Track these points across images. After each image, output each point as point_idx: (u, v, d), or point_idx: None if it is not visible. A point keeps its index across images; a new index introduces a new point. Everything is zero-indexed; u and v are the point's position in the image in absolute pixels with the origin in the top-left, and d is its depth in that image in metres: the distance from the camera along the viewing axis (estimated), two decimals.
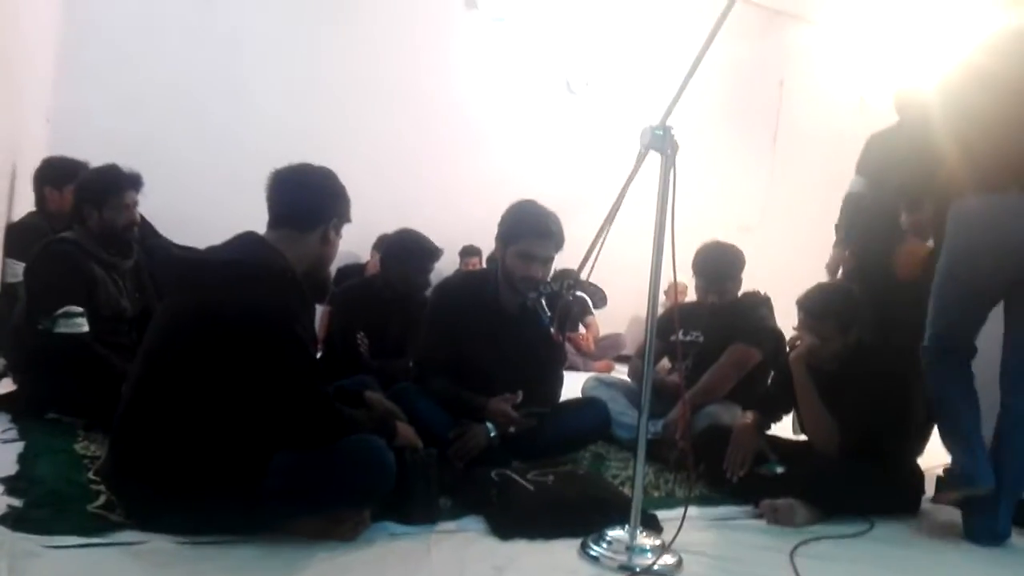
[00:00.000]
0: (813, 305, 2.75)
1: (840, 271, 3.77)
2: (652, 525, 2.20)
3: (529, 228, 2.62)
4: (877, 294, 3.02)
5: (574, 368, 5.53)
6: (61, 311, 2.66)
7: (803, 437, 2.92)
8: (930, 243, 2.95)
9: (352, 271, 5.45)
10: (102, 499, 1.93)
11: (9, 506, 1.85)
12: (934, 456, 3.15)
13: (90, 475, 2.12)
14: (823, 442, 2.67)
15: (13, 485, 2.01)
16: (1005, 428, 2.53)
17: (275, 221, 2.02)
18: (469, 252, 6.12)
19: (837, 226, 3.81)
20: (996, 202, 2.52)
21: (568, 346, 5.94)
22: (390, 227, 5.05)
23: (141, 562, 1.68)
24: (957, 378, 2.58)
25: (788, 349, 2.77)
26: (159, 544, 1.75)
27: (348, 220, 2.11)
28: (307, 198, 2.03)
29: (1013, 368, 2.55)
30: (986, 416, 2.57)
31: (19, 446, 2.36)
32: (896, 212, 3.32)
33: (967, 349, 2.61)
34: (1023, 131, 2.51)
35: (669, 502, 2.53)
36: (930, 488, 2.86)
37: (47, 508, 1.86)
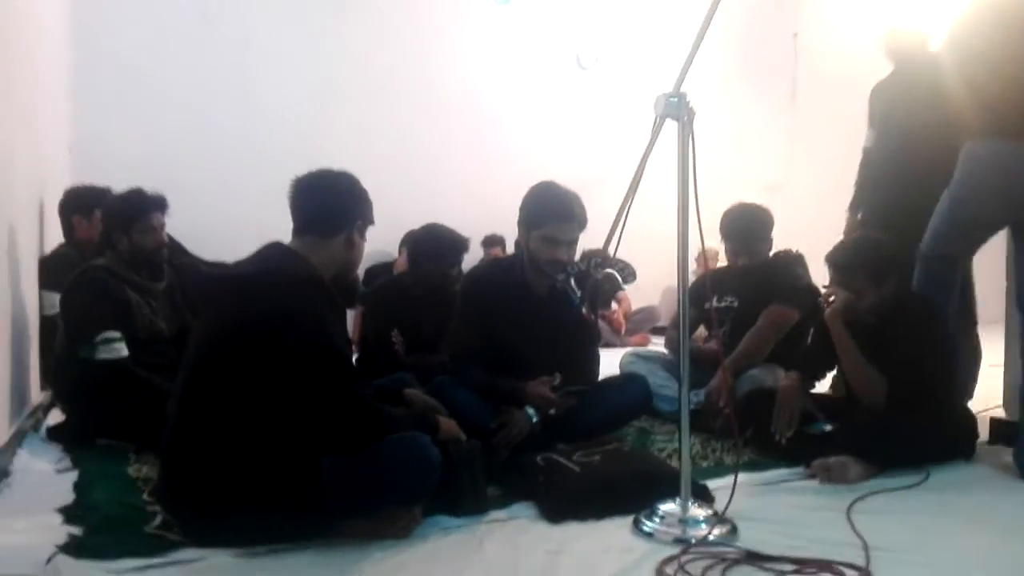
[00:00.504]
0: (841, 260, 2.71)
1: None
2: (703, 496, 2.19)
3: (551, 212, 2.59)
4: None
5: (610, 345, 5.50)
6: (99, 337, 2.70)
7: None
8: None
9: (381, 270, 5.47)
10: (158, 519, 1.96)
11: (69, 535, 1.89)
12: (985, 400, 3.10)
13: (145, 497, 2.15)
14: (870, 396, 2.63)
15: (71, 513, 2.04)
16: None
17: (299, 228, 2.03)
18: (491, 242, 6.10)
19: (856, 183, 3.76)
20: (1007, 149, 2.62)
21: (602, 324, 5.92)
22: (413, 222, 5.07)
23: None
24: (941, 280, 2.84)
25: (824, 306, 2.72)
26: (217, 560, 1.78)
27: (371, 222, 2.11)
28: (329, 204, 2.03)
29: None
30: None
31: (73, 475, 2.40)
32: (902, 162, 3.27)
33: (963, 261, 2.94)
34: None
35: (718, 471, 2.51)
36: (984, 431, 2.81)
37: (106, 533, 1.90)
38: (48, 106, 4.10)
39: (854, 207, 3.76)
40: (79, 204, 3.47)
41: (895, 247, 2.80)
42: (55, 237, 3.63)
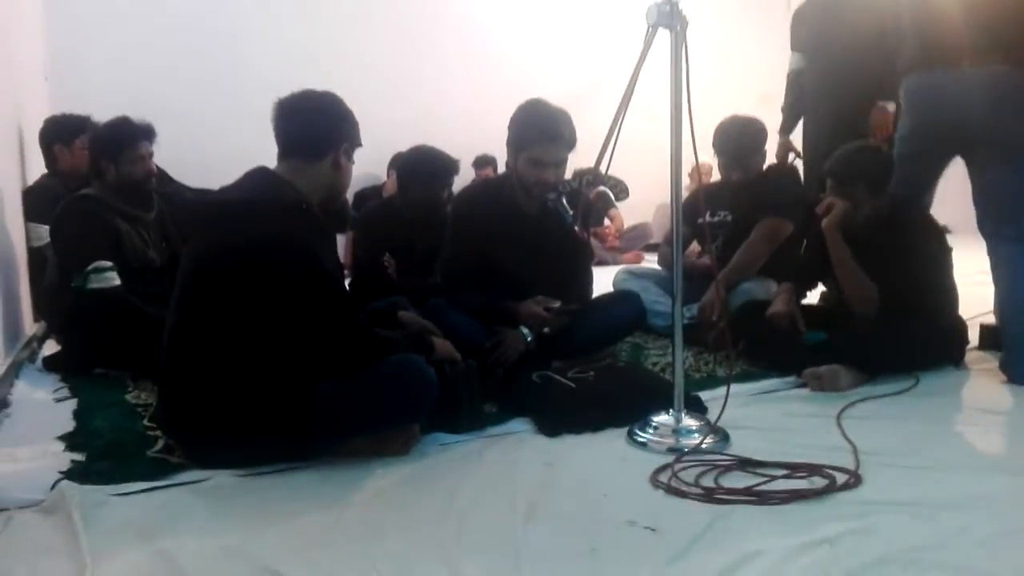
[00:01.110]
0: (841, 169, 2.69)
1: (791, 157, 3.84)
2: (696, 406, 2.22)
3: (538, 133, 2.54)
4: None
5: (603, 263, 5.51)
6: (91, 267, 2.68)
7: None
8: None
9: (370, 193, 5.43)
10: (160, 444, 1.99)
11: (73, 461, 1.92)
12: (975, 306, 3.13)
13: (145, 423, 2.18)
14: (863, 305, 2.64)
15: (73, 441, 2.07)
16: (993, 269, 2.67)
17: (284, 152, 1.98)
18: (482, 163, 6.04)
19: (782, 108, 3.78)
20: (937, 78, 2.67)
21: (595, 242, 5.92)
22: (402, 144, 4.99)
23: (206, 498, 1.74)
24: None
25: (819, 216, 2.71)
26: (221, 480, 1.81)
27: (359, 144, 2.06)
28: (313, 126, 1.98)
29: (986, 213, 2.68)
30: None
31: (72, 403, 2.42)
32: (837, 85, 3.25)
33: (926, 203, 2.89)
34: (972, 7, 2.57)
35: (711, 382, 2.55)
36: (973, 337, 2.85)
37: (109, 459, 1.92)
38: (23, 35, 3.97)
39: (784, 130, 3.87)
40: (60, 133, 3.40)
41: (891, 158, 2.78)
42: (37, 168, 3.57)
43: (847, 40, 3.34)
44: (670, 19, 1.96)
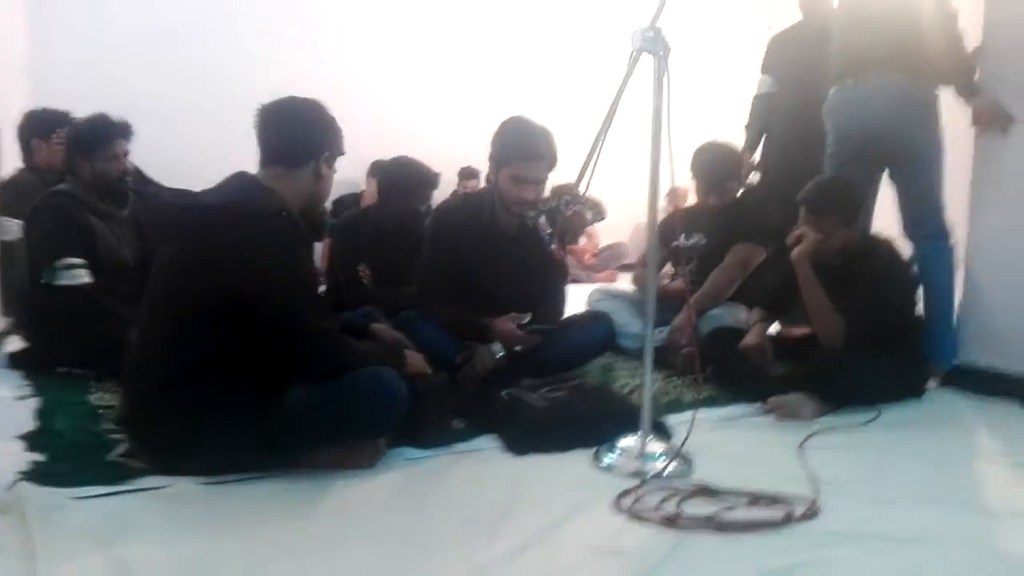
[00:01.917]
0: (814, 200, 2.73)
1: (751, 175, 3.94)
2: (662, 431, 2.24)
3: (519, 150, 2.56)
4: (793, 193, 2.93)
5: (577, 281, 5.53)
6: (61, 263, 2.67)
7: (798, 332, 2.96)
8: None
9: (349, 201, 5.41)
10: (121, 447, 1.97)
11: (32, 462, 1.89)
12: None
13: (107, 425, 2.16)
14: (830, 335, 2.67)
15: (34, 441, 2.04)
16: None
17: (266, 159, 1.98)
18: (468, 175, 6.07)
19: (747, 127, 3.87)
20: (853, 90, 2.95)
21: (569, 259, 5.94)
22: (383, 152, 5.00)
23: (167, 505, 1.72)
24: None
25: (790, 245, 2.75)
26: (183, 487, 1.79)
27: (341, 152, 2.07)
28: (296, 133, 1.98)
29: (904, 218, 3.00)
30: None
31: (35, 402, 2.39)
32: (801, 107, 3.41)
33: (867, 219, 3.12)
34: (876, 22, 2.87)
35: (677, 406, 2.57)
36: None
37: (69, 461, 1.90)
38: (3, 29, 3.93)
39: (747, 149, 3.95)
40: (38, 127, 3.38)
41: (863, 189, 2.84)
42: (11, 163, 3.53)
43: (818, 63, 3.43)
44: (654, 45, 1.99)
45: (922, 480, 2.00)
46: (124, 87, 4.87)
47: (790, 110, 3.72)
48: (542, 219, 2.61)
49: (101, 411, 2.30)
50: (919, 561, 1.55)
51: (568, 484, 1.91)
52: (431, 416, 2.11)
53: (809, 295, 2.71)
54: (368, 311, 2.66)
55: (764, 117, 3.87)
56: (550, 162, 2.60)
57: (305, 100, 2.02)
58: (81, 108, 3.14)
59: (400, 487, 1.87)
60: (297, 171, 1.97)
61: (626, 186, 4.40)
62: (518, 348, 2.59)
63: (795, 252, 2.71)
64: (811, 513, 1.75)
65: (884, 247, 2.78)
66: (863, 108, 2.91)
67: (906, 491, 1.92)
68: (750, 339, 2.77)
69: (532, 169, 2.57)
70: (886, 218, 3.16)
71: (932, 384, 2.85)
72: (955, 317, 2.97)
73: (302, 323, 1.87)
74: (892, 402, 2.61)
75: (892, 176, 3.03)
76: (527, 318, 2.60)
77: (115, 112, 2.92)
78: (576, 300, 3.37)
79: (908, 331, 2.75)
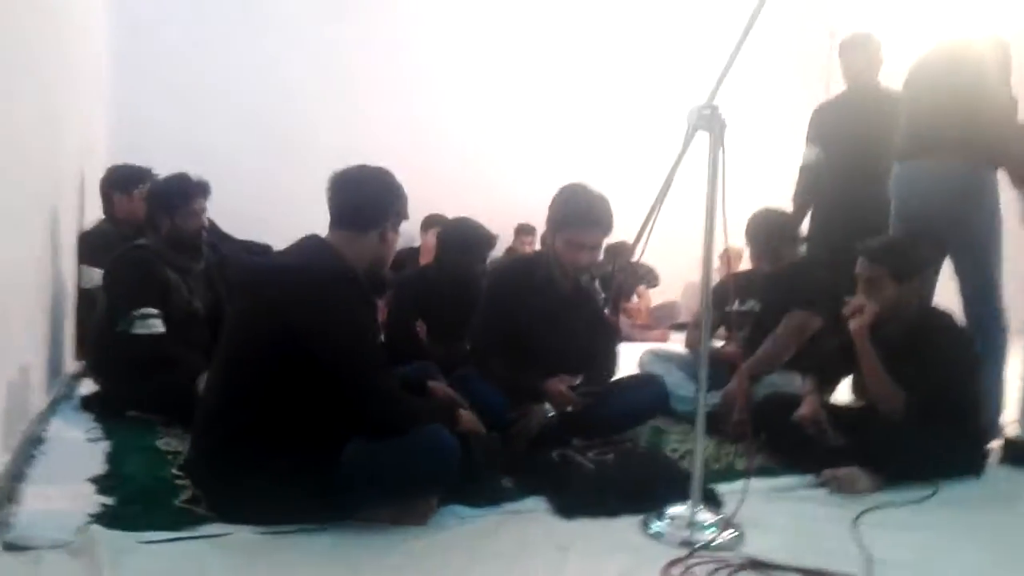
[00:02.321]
0: (876, 253, 2.70)
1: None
2: (713, 500, 2.23)
3: (577, 216, 2.63)
4: (844, 261, 2.94)
5: (629, 339, 5.54)
6: (138, 312, 2.80)
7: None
8: None
9: (407, 256, 5.54)
10: (187, 493, 2.05)
11: (102, 504, 1.98)
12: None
13: (174, 470, 2.24)
14: (890, 408, 2.62)
15: (104, 484, 2.13)
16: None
17: (336, 222, 2.09)
18: (524, 231, 6.18)
19: (794, 198, 3.85)
20: (916, 169, 3.01)
21: (622, 318, 5.96)
22: (440, 207, 5.15)
23: (227, 553, 1.79)
24: None
25: (848, 315, 2.72)
26: (243, 536, 1.86)
27: (406, 217, 2.17)
28: (364, 200, 2.08)
29: (966, 302, 3.00)
30: None
31: (105, 445, 2.50)
32: (848, 179, 3.43)
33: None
34: (940, 104, 2.92)
35: (729, 475, 2.55)
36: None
37: (137, 504, 1.99)
38: (93, 85, 4.19)
39: (795, 220, 3.83)
40: (120, 182, 3.57)
41: (924, 254, 2.80)
42: (92, 213, 3.73)
43: (864, 133, 3.44)
44: (710, 123, 2.05)
45: (979, 561, 1.96)
46: (200, 142, 5.15)
47: (836, 180, 3.72)
48: (596, 283, 2.66)
49: (169, 456, 2.39)
50: None
51: (615, 550, 1.92)
52: (483, 475, 2.15)
53: (868, 367, 2.67)
54: (424, 367, 2.72)
55: (811, 187, 3.86)
56: (606, 229, 2.66)
57: (375, 169, 2.13)
58: (158, 163, 3.33)
59: (450, 546, 1.90)
60: (364, 236, 2.07)
61: (678, 245, 4.42)
62: (570, 409, 2.61)
63: (853, 324, 2.68)
64: None
65: (945, 319, 2.75)
66: (923, 187, 2.99)
67: (962, 572, 1.87)
68: (804, 409, 2.73)
69: (588, 235, 2.63)
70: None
71: (992, 461, 2.77)
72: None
73: (364, 382, 1.94)
74: (950, 478, 2.55)
75: (951, 256, 3.07)
76: (578, 380, 2.63)
77: (191, 168, 3.08)
78: (628, 360, 3.39)
79: (969, 406, 2.69)
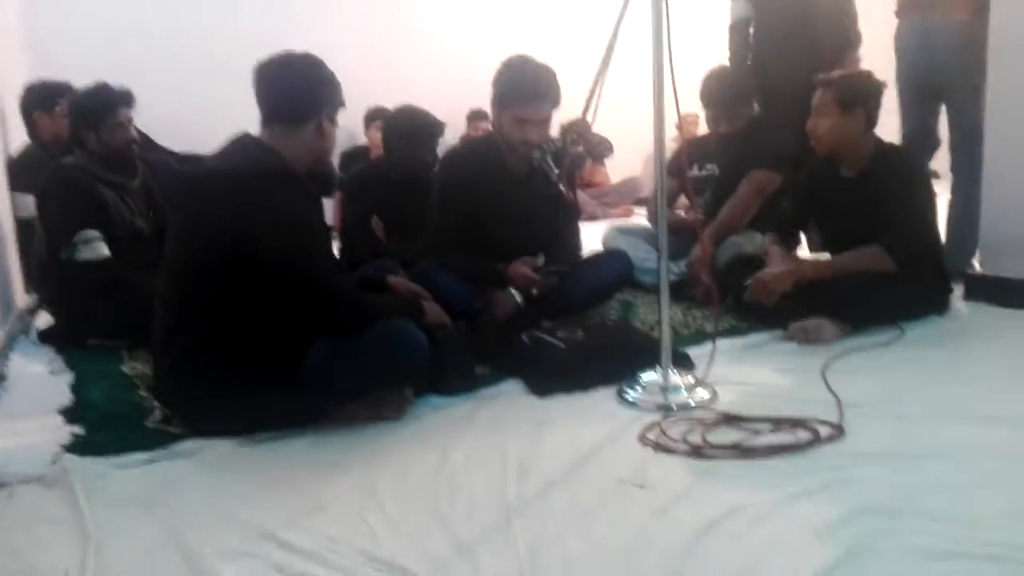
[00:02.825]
0: (822, 77, 2.71)
1: None
2: (684, 363, 2.26)
3: (521, 91, 2.52)
4: (797, 117, 2.87)
5: (593, 218, 5.51)
6: (79, 238, 2.68)
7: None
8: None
9: (356, 154, 5.39)
10: (158, 414, 2.02)
11: (72, 434, 1.95)
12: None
13: (141, 393, 2.21)
14: (885, 269, 2.56)
15: (72, 414, 2.09)
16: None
17: (266, 118, 1.97)
18: (477, 116, 5.99)
19: (729, 59, 3.65)
20: (914, 26, 3.18)
21: (585, 195, 5.91)
22: (382, 101, 4.97)
23: (204, 466, 1.78)
24: None
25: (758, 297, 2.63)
26: (219, 448, 1.85)
27: (342, 105, 2.05)
28: (294, 91, 1.96)
29: (956, 145, 3.23)
30: None
31: (69, 376, 2.44)
32: (797, 38, 3.32)
33: (932, 141, 3.33)
34: None
35: (699, 338, 2.58)
36: (958, 286, 2.88)
37: (108, 431, 1.96)
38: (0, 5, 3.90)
39: None
40: (39, 100, 3.38)
41: (873, 84, 2.73)
42: (18, 139, 3.54)
43: None
44: None
45: (947, 396, 2.01)
46: (122, 54, 4.87)
47: (777, 34, 3.46)
48: (548, 159, 2.59)
49: (135, 380, 2.35)
50: (944, 475, 1.57)
51: (593, 421, 1.95)
52: (453, 364, 2.14)
53: (844, 272, 2.59)
54: (384, 264, 2.66)
55: (745, 45, 3.60)
56: (553, 101, 2.56)
57: (302, 55, 1.99)
58: (81, 79, 3.13)
59: (428, 434, 1.91)
60: (299, 129, 1.95)
61: (635, 119, 4.32)
62: (534, 291, 2.59)
63: (768, 300, 2.60)
64: (836, 435, 1.77)
65: (900, 153, 2.72)
66: (929, 42, 3.15)
67: (931, 408, 1.93)
68: (770, 271, 2.69)
69: (535, 110, 2.53)
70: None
71: (956, 296, 2.83)
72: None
73: (316, 281, 1.89)
74: (915, 319, 2.60)
75: (947, 104, 3.24)
76: (540, 261, 2.59)
77: (116, 79, 2.90)
78: (593, 238, 3.37)
79: (929, 246, 2.71)
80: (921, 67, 3.19)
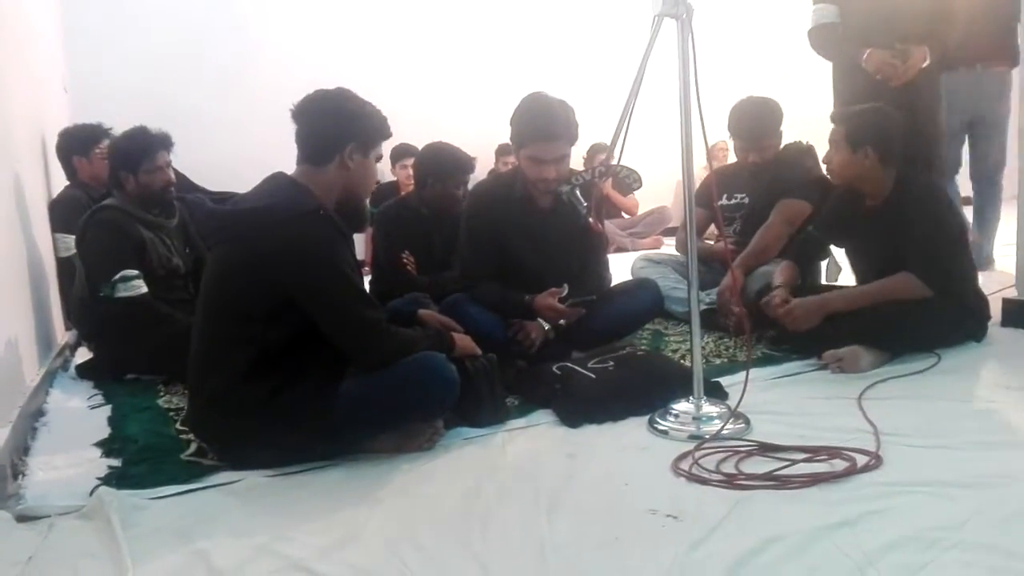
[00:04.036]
0: (836, 111, 2.82)
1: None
2: (717, 393, 2.24)
3: (535, 131, 2.52)
4: None
5: (622, 249, 5.52)
6: (118, 276, 2.74)
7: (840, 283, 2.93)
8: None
9: (386, 191, 5.46)
10: (193, 447, 2.05)
11: (109, 467, 1.98)
12: (999, 280, 3.10)
13: (177, 426, 2.24)
14: (914, 296, 2.53)
15: (109, 447, 2.13)
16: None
17: (299, 157, 2.01)
18: (505, 151, 6.04)
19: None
20: (960, 79, 3.87)
21: (614, 227, 5.92)
22: (412, 139, 5.04)
23: (238, 498, 1.79)
24: None
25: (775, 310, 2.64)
26: (252, 480, 1.86)
27: (374, 139, 2.02)
28: (316, 129, 1.98)
29: (981, 175, 4.15)
30: None
31: (107, 410, 2.49)
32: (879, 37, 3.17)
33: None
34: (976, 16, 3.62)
35: (732, 368, 2.56)
36: (996, 312, 2.83)
37: (144, 464, 1.98)
38: (41, 48, 4.04)
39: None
40: (76, 144, 3.46)
41: (886, 121, 2.71)
42: (60, 179, 3.64)
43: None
44: (675, 8, 1.97)
45: (985, 425, 1.98)
46: (160, 95, 5.02)
47: (870, 35, 3.16)
48: (577, 192, 2.60)
49: (171, 413, 2.38)
50: (983, 506, 1.53)
51: (625, 452, 1.93)
52: (485, 395, 2.14)
53: (864, 302, 2.57)
54: (415, 298, 2.69)
55: (827, 51, 3.32)
56: (569, 139, 2.55)
57: (327, 93, 2.00)
58: (120, 119, 3.22)
59: (460, 467, 1.91)
60: (323, 168, 1.97)
61: (664, 150, 4.34)
62: (562, 322, 2.59)
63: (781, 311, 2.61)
64: (874, 464, 1.74)
65: (921, 185, 2.67)
66: (973, 92, 3.95)
67: (969, 437, 1.89)
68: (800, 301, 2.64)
69: (549, 149, 2.53)
70: None
71: (993, 323, 2.78)
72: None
73: (348, 317, 1.90)
74: (952, 346, 2.55)
75: (976, 140, 4.08)
76: (564, 291, 2.59)
77: (154, 120, 2.98)
78: (621, 268, 3.37)
79: (963, 273, 2.67)
80: (970, 112, 3.96)
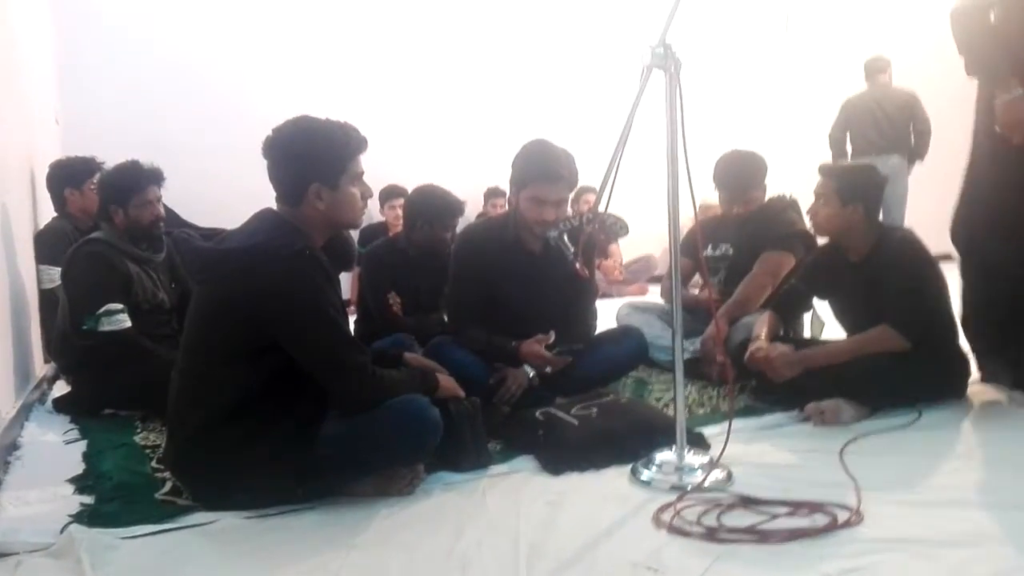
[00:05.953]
0: (826, 165, 2.81)
1: None
2: (699, 443, 2.23)
3: (539, 171, 2.57)
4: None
5: (607, 296, 5.53)
6: (102, 310, 2.72)
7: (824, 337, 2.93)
8: None
9: (375, 230, 5.48)
10: (168, 486, 2.02)
11: (82, 504, 1.95)
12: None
13: (153, 464, 2.21)
14: (893, 349, 2.54)
15: (83, 484, 2.10)
16: None
17: (276, 197, 1.99)
18: (494, 194, 6.11)
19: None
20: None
21: (599, 275, 5.93)
22: (402, 180, 5.09)
23: (213, 541, 1.76)
24: None
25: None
26: (228, 522, 1.83)
27: (332, 174, 1.92)
28: (278, 175, 1.94)
29: None
30: None
31: (82, 445, 2.45)
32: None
33: None
34: None
35: (715, 418, 2.55)
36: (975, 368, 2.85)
37: (118, 501, 1.95)
38: (34, 80, 4.06)
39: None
40: (69, 177, 3.45)
41: (875, 179, 2.76)
42: (48, 211, 3.63)
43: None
44: (664, 61, 2.01)
45: (966, 482, 1.97)
46: (152, 129, 5.04)
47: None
48: (564, 237, 2.63)
49: (147, 451, 2.35)
50: (964, 564, 1.52)
51: (606, 501, 1.92)
52: (467, 440, 2.12)
53: (843, 358, 2.59)
54: (400, 339, 2.69)
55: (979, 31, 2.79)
56: (570, 182, 2.62)
57: (282, 134, 1.93)
58: (112, 152, 3.23)
59: (439, 513, 1.88)
60: (298, 208, 1.94)
61: (652, 199, 4.40)
62: (548, 369, 2.59)
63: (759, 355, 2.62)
64: (854, 520, 1.73)
65: (901, 238, 2.70)
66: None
67: (950, 494, 1.89)
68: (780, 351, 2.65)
69: (551, 190, 2.58)
70: None
71: (973, 379, 2.79)
72: None
73: (331, 359, 1.89)
74: (933, 401, 2.57)
75: None
76: (552, 338, 2.60)
77: (145, 153, 2.99)
78: (607, 315, 3.38)
79: (944, 328, 2.70)
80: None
